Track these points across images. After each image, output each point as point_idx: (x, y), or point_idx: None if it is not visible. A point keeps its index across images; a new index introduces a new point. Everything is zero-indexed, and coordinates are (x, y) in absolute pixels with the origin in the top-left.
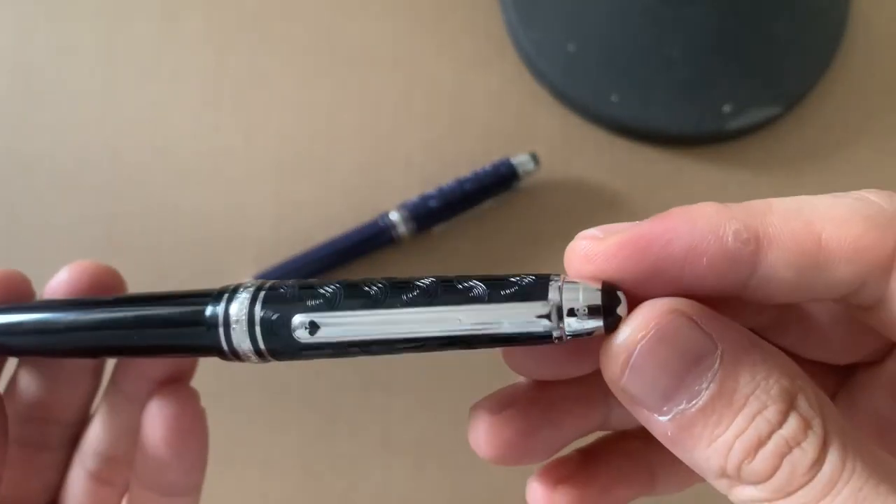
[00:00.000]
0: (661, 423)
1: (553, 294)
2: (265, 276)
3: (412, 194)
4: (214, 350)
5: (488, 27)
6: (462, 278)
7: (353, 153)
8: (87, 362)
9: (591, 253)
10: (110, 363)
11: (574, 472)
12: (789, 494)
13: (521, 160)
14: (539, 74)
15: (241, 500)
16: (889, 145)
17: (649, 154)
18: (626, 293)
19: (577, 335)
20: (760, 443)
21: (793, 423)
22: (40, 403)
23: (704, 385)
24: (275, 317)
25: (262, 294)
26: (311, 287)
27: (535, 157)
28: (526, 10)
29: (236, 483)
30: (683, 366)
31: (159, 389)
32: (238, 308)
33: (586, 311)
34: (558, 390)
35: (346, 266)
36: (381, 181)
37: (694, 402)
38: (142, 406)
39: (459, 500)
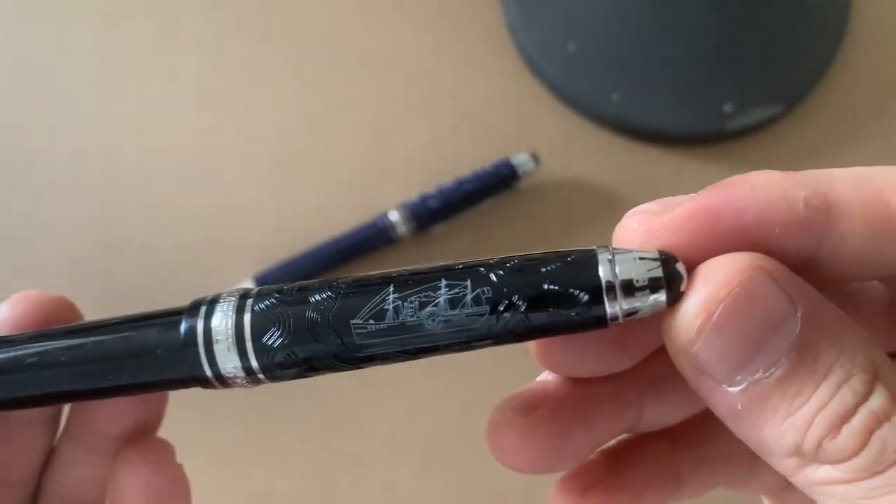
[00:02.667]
0: (729, 396)
1: (604, 269)
2: (264, 276)
3: (412, 194)
4: (194, 379)
5: (489, 27)
6: (486, 265)
7: (353, 153)
8: (40, 414)
9: (652, 228)
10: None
11: (602, 478)
12: (876, 474)
13: (521, 160)
14: (539, 74)
15: (245, 498)
16: (890, 144)
17: (650, 154)
18: (684, 263)
19: (634, 314)
20: (846, 416)
21: (881, 395)
22: None
23: (784, 352)
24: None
25: (248, 302)
26: (305, 289)
27: (535, 157)
28: (526, 9)
29: (239, 481)
30: (764, 330)
31: (129, 446)
32: (221, 320)
33: (647, 284)
34: (591, 388)
35: (346, 266)
36: (380, 181)
37: (772, 370)
38: (105, 456)
39: (464, 499)
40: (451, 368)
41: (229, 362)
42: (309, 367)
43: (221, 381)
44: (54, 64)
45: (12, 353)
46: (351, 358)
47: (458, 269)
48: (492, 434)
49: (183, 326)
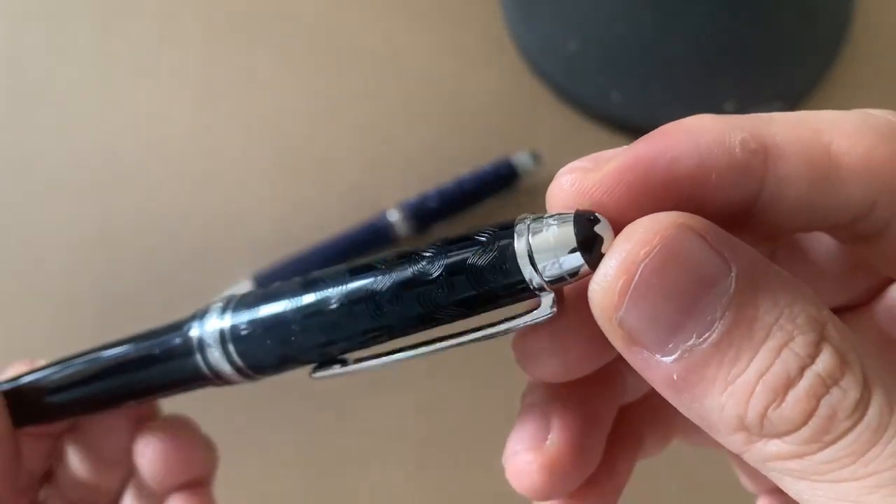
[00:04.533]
0: (664, 367)
1: (520, 239)
2: (263, 276)
3: (411, 193)
4: (200, 379)
5: (489, 25)
6: (413, 254)
7: (352, 152)
8: (122, 453)
9: (584, 186)
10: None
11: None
12: (827, 445)
13: (521, 159)
14: (540, 73)
15: (242, 499)
16: None
17: None
18: (610, 220)
19: (558, 280)
20: (790, 382)
21: (827, 356)
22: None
23: (718, 314)
24: (245, 330)
25: (230, 308)
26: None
27: (535, 156)
28: (526, 8)
29: (237, 482)
30: (694, 291)
31: (185, 496)
32: (210, 327)
33: (561, 247)
34: (582, 389)
35: None
36: (380, 180)
37: (706, 335)
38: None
39: (461, 500)
40: (448, 370)
41: (221, 364)
42: (290, 358)
43: (221, 378)
44: (53, 64)
45: (61, 372)
46: (305, 356)
47: (391, 258)
48: (517, 480)
49: (184, 335)
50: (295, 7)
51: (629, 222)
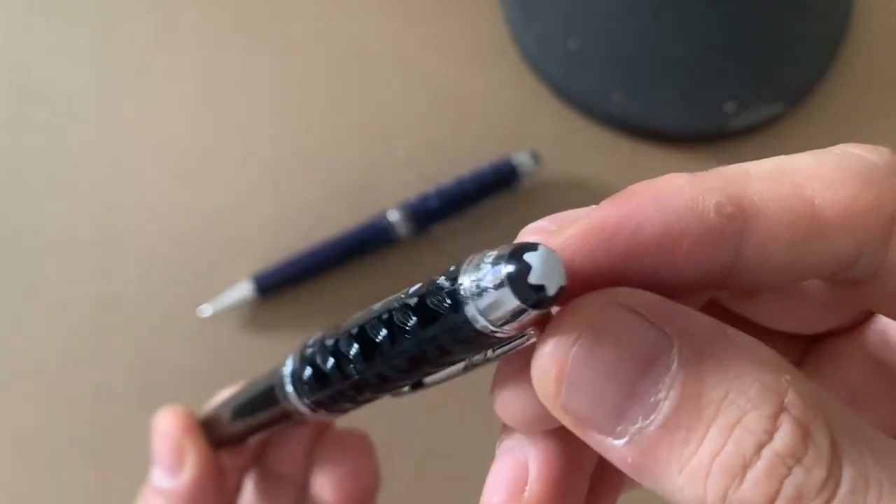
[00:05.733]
0: (617, 449)
1: (464, 276)
2: (263, 275)
3: (411, 194)
4: (289, 414)
5: (489, 25)
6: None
7: (353, 152)
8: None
9: None
10: None
11: None
12: None
13: (521, 159)
14: (540, 72)
15: None
16: (893, 143)
17: (651, 153)
18: (569, 271)
19: (503, 323)
20: (746, 463)
21: (786, 431)
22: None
23: (662, 393)
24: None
25: (302, 350)
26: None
27: (535, 156)
28: (526, 7)
29: None
30: (633, 371)
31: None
32: (288, 367)
33: (497, 283)
34: (562, 431)
35: (345, 266)
36: (380, 181)
37: (652, 416)
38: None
39: (461, 502)
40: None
41: (298, 404)
42: (339, 402)
43: (301, 414)
44: (53, 63)
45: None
46: (353, 395)
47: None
48: None
49: (280, 373)
50: (295, 7)
51: (593, 287)
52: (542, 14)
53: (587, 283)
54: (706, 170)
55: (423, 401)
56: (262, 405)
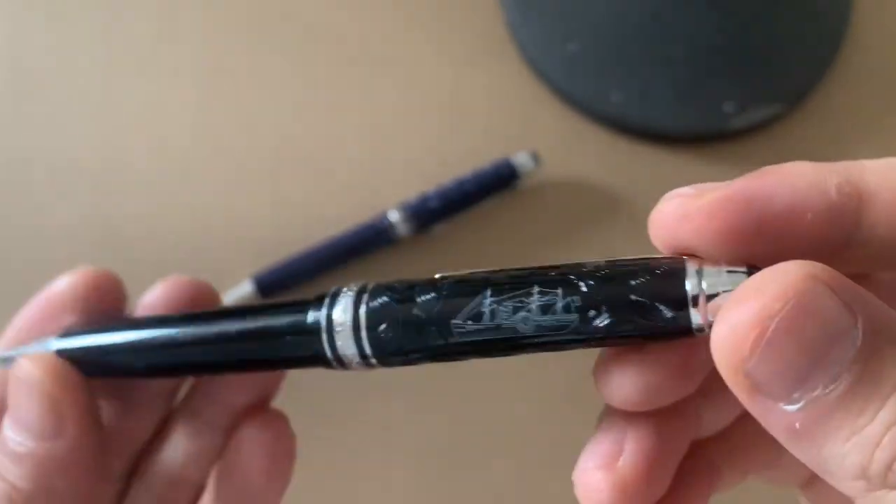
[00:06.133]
0: (786, 415)
1: (691, 282)
2: (264, 275)
3: (412, 194)
4: (318, 359)
5: (488, 26)
6: (577, 273)
7: (353, 153)
8: (162, 388)
9: (688, 211)
10: (184, 386)
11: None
12: None
13: (521, 159)
14: (539, 73)
15: None
16: (893, 143)
17: (650, 153)
18: (707, 244)
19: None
20: None
21: None
22: (106, 434)
23: (845, 366)
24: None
25: (364, 297)
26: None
27: (535, 157)
28: (526, 8)
29: None
30: (823, 344)
31: (251, 417)
32: (341, 313)
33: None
34: (657, 418)
35: (345, 266)
36: (380, 181)
37: (832, 386)
38: (222, 432)
39: (461, 502)
40: (447, 371)
41: (348, 349)
42: (414, 357)
43: (340, 363)
44: (53, 62)
45: (169, 331)
46: (449, 353)
47: (551, 276)
48: (586, 496)
49: (310, 316)
50: (296, 8)
51: (726, 250)
52: (542, 15)
53: (723, 242)
54: (704, 169)
55: (423, 401)
56: (248, 340)
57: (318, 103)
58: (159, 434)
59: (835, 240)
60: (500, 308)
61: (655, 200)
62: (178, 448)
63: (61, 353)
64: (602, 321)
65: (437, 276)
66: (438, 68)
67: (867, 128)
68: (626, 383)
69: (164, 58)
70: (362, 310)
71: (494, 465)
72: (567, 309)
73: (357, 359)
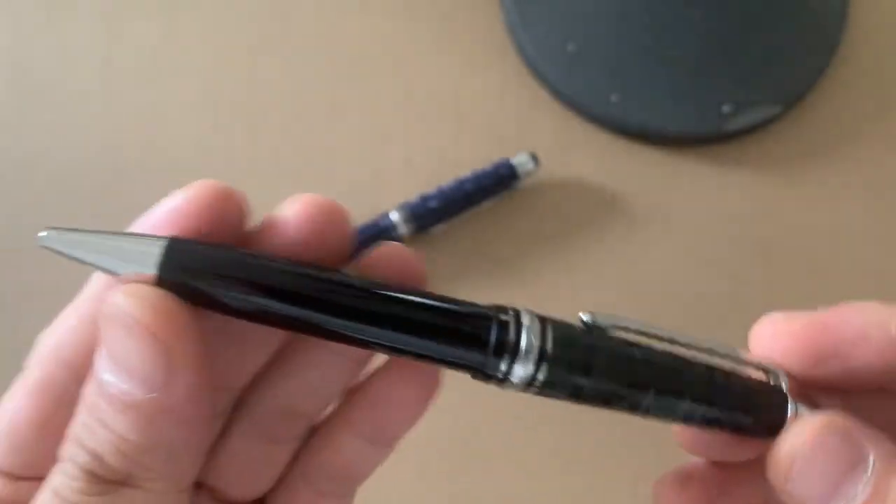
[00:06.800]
0: None
1: (791, 408)
2: None
3: (412, 194)
4: (477, 370)
5: (488, 27)
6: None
7: (354, 154)
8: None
9: (780, 332)
10: None
11: None
12: None
13: (520, 160)
14: (539, 75)
15: None
16: (889, 144)
17: (649, 154)
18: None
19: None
20: None
21: None
22: (216, 371)
23: (859, 489)
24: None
25: (550, 327)
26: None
27: (534, 158)
28: (526, 10)
29: None
30: (839, 473)
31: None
32: (528, 339)
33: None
34: (731, 470)
35: (345, 267)
36: (381, 181)
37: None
38: (353, 361)
39: (461, 502)
40: (447, 372)
41: (520, 373)
42: (578, 398)
43: (499, 379)
44: (56, 64)
45: (311, 285)
46: (602, 402)
47: (702, 392)
48: (655, 500)
49: (494, 333)
50: (296, 9)
51: (809, 364)
52: (542, 17)
53: (806, 361)
54: (702, 170)
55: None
56: (410, 326)
57: (318, 103)
58: (272, 363)
59: (890, 368)
60: (656, 403)
61: (654, 200)
62: (295, 377)
63: (164, 281)
64: (722, 419)
65: (584, 317)
66: (438, 69)
67: (864, 128)
68: (706, 442)
69: (164, 59)
70: (549, 341)
71: (495, 465)
72: (703, 416)
73: (521, 384)
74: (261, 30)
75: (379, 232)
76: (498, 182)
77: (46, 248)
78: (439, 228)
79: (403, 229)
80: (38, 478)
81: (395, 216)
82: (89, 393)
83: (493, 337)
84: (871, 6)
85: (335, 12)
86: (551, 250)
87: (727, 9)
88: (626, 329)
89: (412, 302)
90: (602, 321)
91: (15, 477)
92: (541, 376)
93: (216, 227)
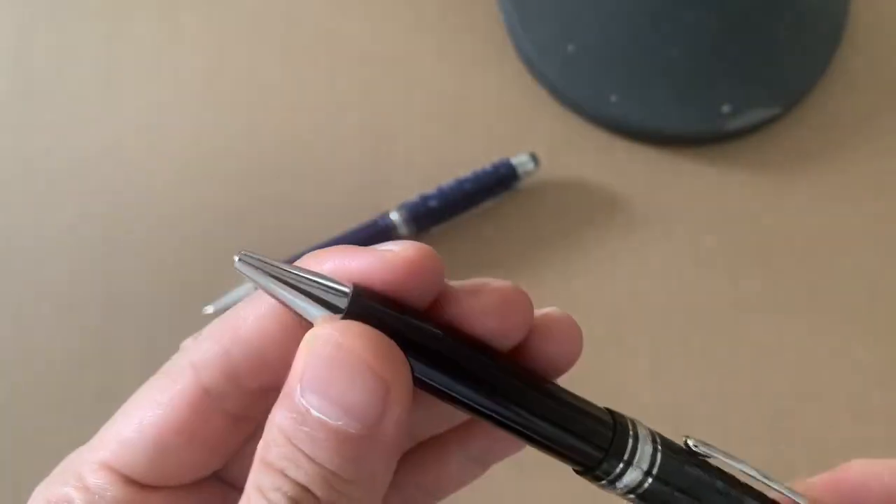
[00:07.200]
0: None
1: None
2: None
3: (412, 194)
4: (586, 466)
5: (488, 28)
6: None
7: (354, 154)
8: None
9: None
10: None
11: None
12: None
13: (520, 160)
14: (538, 75)
15: None
16: (888, 144)
17: (648, 154)
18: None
19: None
20: None
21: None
22: None
23: None
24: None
25: (660, 443)
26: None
27: (534, 158)
28: (525, 10)
29: None
30: None
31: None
32: (642, 451)
33: None
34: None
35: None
36: (381, 181)
37: None
38: None
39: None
40: None
41: (626, 480)
42: None
43: (599, 479)
44: (57, 64)
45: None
46: None
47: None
48: None
49: (620, 438)
50: (297, 9)
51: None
52: (541, 18)
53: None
54: (702, 170)
55: None
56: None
57: (318, 103)
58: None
59: None
60: None
61: (653, 200)
62: (428, 409)
63: (362, 314)
64: None
65: (690, 443)
66: (439, 70)
67: (863, 129)
68: None
69: (165, 59)
70: (660, 455)
71: (494, 465)
72: None
73: (624, 489)
74: (260, 30)
75: (379, 232)
76: (498, 182)
77: (241, 272)
78: (439, 228)
79: (403, 229)
80: (166, 487)
81: (395, 216)
82: (289, 423)
83: (617, 441)
84: (871, 6)
85: (335, 13)
86: (551, 250)
87: (727, 9)
88: (714, 457)
89: (556, 396)
90: (703, 450)
91: (142, 486)
92: (645, 486)
93: (410, 290)
